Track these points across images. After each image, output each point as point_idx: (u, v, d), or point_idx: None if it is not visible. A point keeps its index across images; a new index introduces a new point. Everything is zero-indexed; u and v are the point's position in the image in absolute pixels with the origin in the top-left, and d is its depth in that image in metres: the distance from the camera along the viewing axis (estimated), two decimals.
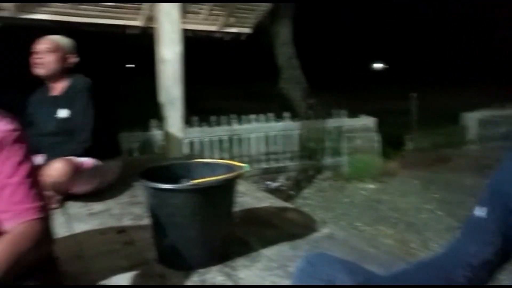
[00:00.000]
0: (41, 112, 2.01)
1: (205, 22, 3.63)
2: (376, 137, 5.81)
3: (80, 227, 1.78)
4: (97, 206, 2.02)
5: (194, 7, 3.44)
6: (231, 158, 5.00)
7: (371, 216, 3.92)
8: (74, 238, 1.68)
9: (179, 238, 1.42)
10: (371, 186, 4.96)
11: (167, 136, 3.03)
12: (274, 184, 5.25)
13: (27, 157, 1.00)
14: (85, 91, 1.97)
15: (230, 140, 5.33)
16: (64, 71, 2.03)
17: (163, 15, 2.77)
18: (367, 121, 5.99)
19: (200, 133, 5.14)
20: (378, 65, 29.12)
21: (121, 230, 1.77)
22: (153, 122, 4.79)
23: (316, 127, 5.87)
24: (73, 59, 2.07)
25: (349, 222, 3.72)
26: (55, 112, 1.98)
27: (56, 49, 2.01)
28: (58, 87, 2.04)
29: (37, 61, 1.99)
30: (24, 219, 0.93)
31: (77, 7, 3.09)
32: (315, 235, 1.68)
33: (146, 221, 1.86)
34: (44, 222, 0.97)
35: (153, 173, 1.48)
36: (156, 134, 4.75)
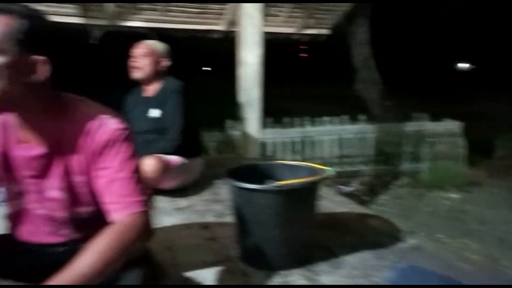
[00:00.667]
0: (135, 111, 2.18)
1: (284, 24, 3.66)
2: (461, 143, 5.38)
3: (168, 221, 1.89)
4: (182, 202, 2.13)
5: (274, 10, 3.48)
6: (304, 160, 4.97)
7: (455, 228, 3.64)
8: (163, 230, 1.79)
9: (263, 238, 1.45)
10: (455, 195, 4.61)
11: (245, 136, 3.11)
12: (347, 189, 5.11)
13: (133, 154, 1.08)
14: (176, 93, 2.10)
15: (303, 142, 5.30)
16: (157, 74, 2.18)
17: (246, 19, 2.85)
18: (452, 125, 5.57)
19: (273, 134, 5.18)
20: (463, 65, 26.97)
21: (205, 226, 1.85)
22: (229, 123, 4.94)
23: (394, 131, 5.60)
24: (166, 63, 2.21)
25: (430, 233, 3.49)
26: (148, 112, 2.14)
27: (150, 53, 2.16)
28: (152, 89, 2.20)
29: (134, 64, 2.16)
30: (130, 211, 1.00)
31: (167, 14, 3.30)
32: (400, 245, 1.61)
33: (228, 218, 1.94)
34: (147, 215, 1.04)
35: (238, 172, 1.52)
36: (232, 134, 4.89)
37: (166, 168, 2.01)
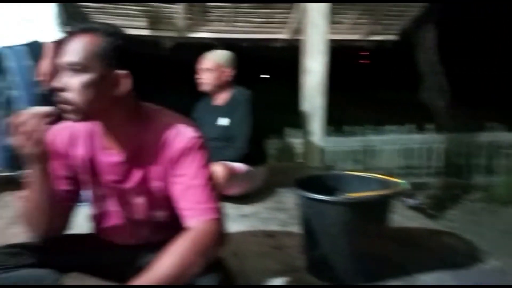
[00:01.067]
0: (204, 119, 2.25)
1: (349, 31, 3.59)
2: None
3: (233, 227, 1.91)
4: (247, 209, 2.16)
5: (339, 17, 3.43)
6: (365, 170, 4.81)
7: None
8: (229, 237, 1.82)
9: (331, 250, 1.42)
10: None
11: (307, 145, 3.08)
12: (412, 201, 4.85)
13: (207, 162, 1.12)
14: (244, 103, 2.14)
15: (365, 151, 5.14)
16: (224, 85, 2.24)
17: (311, 27, 2.84)
18: None
19: (333, 143, 5.08)
20: None
21: (270, 235, 1.85)
22: (288, 131, 4.93)
23: (465, 141, 5.24)
24: (230, 73, 2.26)
25: (510, 255, 3.20)
26: (217, 120, 2.21)
27: (214, 66, 2.23)
28: (221, 98, 2.27)
29: (199, 80, 2.25)
30: (205, 217, 1.03)
31: (233, 24, 3.39)
32: (481, 266, 1.49)
33: (293, 227, 1.93)
34: (221, 222, 1.07)
35: (307, 182, 1.51)
36: (291, 142, 4.88)
37: (232, 175, 2.05)
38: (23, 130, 0.92)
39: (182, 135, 1.07)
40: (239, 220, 2.02)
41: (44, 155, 0.99)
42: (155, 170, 1.08)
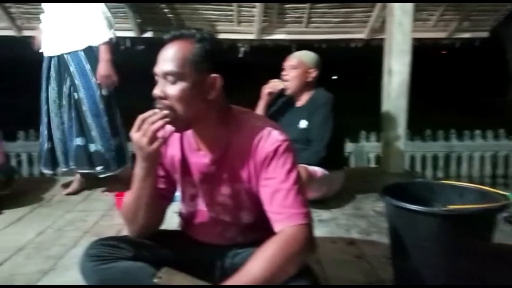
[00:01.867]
0: (285, 120, 2.23)
1: (434, 29, 3.36)
2: None
3: None
4: (324, 214, 2.11)
5: (423, 14, 3.23)
6: (447, 178, 4.47)
7: None
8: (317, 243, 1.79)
9: (421, 265, 1.31)
10: None
11: (387, 149, 2.94)
12: (504, 215, 4.40)
13: (294, 165, 1.09)
14: (324, 106, 2.09)
15: (447, 157, 4.78)
16: (306, 85, 2.21)
17: (395, 26, 2.70)
18: None
19: (412, 148, 4.79)
20: None
21: (351, 242, 1.78)
22: (363, 134, 4.75)
23: None
24: (315, 74, 2.22)
25: None
26: (296, 122, 2.18)
27: (298, 65, 2.20)
28: (302, 99, 2.24)
29: (283, 77, 2.23)
30: (294, 222, 1.01)
31: (309, 25, 3.35)
32: None
33: (375, 236, 1.85)
34: (310, 228, 1.04)
35: (396, 190, 1.42)
36: (365, 145, 4.70)
37: (309, 179, 2.01)
38: (143, 127, 0.98)
39: (271, 138, 1.06)
40: (317, 225, 1.97)
41: (156, 155, 1.04)
42: (243, 172, 1.09)
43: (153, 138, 0.99)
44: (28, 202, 2.35)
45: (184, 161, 1.15)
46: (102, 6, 2.32)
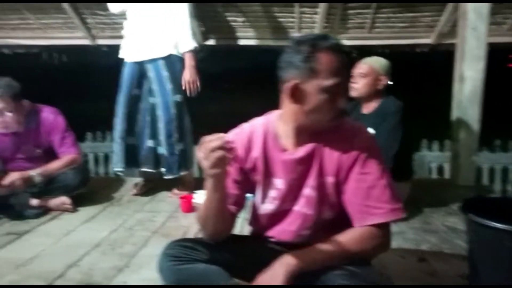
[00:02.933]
0: None
1: (510, 33, 3.14)
2: None
3: None
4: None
5: (498, 17, 3.03)
6: None
7: None
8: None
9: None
10: None
11: (456, 160, 2.78)
12: None
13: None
14: (393, 115, 2.02)
15: None
16: (375, 93, 2.13)
17: (468, 31, 2.56)
18: None
19: (478, 158, 4.49)
20: None
21: (422, 259, 1.70)
22: (424, 142, 4.53)
23: None
24: (385, 81, 2.14)
25: None
26: None
27: (368, 72, 2.13)
28: (369, 107, 2.17)
29: (352, 85, 2.18)
30: (394, 217, 1.08)
31: (372, 31, 3.27)
32: None
33: (447, 253, 1.75)
34: (389, 228, 1.11)
35: (476, 205, 1.33)
36: (427, 155, 4.48)
37: None
38: (207, 150, 0.96)
39: (365, 134, 1.16)
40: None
41: (219, 177, 1.04)
42: (330, 166, 1.13)
43: (214, 164, 0.97)
44: (100, 200, 2.50)
45: (267, 161, 1.18)
46: (188, 15, 2.41)
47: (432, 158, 4.41)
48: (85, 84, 5.07)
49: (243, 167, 1.19)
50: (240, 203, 1.22)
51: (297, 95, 1.08)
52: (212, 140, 0.96)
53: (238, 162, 1.17)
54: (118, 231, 2.05)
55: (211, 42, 3.67)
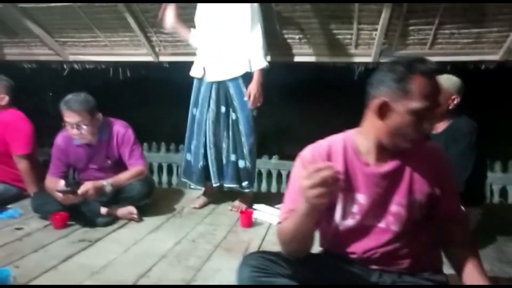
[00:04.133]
0: None
1: None
2: None
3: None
4: None
5: None
6: None
7: None
8: None
9: None
10: None
11: None
12: None
13: None
14: (469, 135, 1.93)
15: None
16: (446, 112, 2.04)
17: None
18: None
19: None
20: None
21: None
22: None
23: None
24: (457, 100, 2.03)
25: None
26: None
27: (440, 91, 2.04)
28: (439, 127, 2.05)
29: None
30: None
31: (433, 47, 3.19)
32: None
33: None
34: None
35: None
36: (489, 176, 4.23)
37: None
38: (314, 180, 0.95)
39: (442, 153, 1.26)
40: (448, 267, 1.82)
41: (323, 205, 1.03)
42: (422, 186, 1.16)
43: (321, 195, 0.96)
44: (163, 211, 2.60)
45: (349, 176, 1.18)
46: (261, 35, 2.53)
47: (493, 180, 4.18)
48: (146, 98, 5.35)
49: None
50: (318, 222, 1.21)
51: (384, 112, 1.09)
52: (323, 170, 0.94)
53: None
54: (182, 243, 2.11)
55: (267, 58, 3.74)
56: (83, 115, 2.33)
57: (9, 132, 2.78)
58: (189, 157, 2.73)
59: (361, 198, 1.17)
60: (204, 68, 2.61)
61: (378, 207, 1.17)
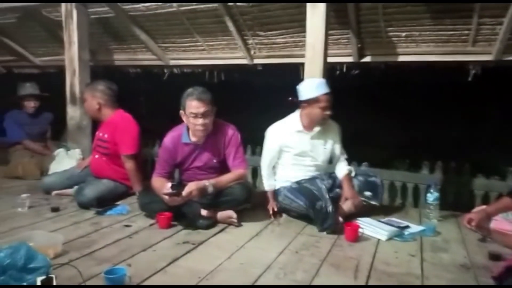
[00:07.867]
0: None
1: None
2: None
3: None
4: None
5: None
6: None
7: None
8: None
9: None
10: None
11: None
12: None
13: None
14: None
15: None
16: None
17: None
18: None
19: None
20: None
21: None
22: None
23: None
24: None
25: None
26: None
27: None
28: None
29: None
30: None
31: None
32: None
33: None
34: None
35: None
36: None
37: None
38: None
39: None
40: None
41: None
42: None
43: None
44: (260, 217, 2.54)
45: None
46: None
47: None
48: (242, 101, 5.44)
49: None
50: None
51: None
52: None
53: None
54: (285, 254, 2.01)
55: (367, 59, 3.52)
56: (210, 105, 2.39)
57: (118, 134, 2.94)
58: None
59: None
60: None
61: None
